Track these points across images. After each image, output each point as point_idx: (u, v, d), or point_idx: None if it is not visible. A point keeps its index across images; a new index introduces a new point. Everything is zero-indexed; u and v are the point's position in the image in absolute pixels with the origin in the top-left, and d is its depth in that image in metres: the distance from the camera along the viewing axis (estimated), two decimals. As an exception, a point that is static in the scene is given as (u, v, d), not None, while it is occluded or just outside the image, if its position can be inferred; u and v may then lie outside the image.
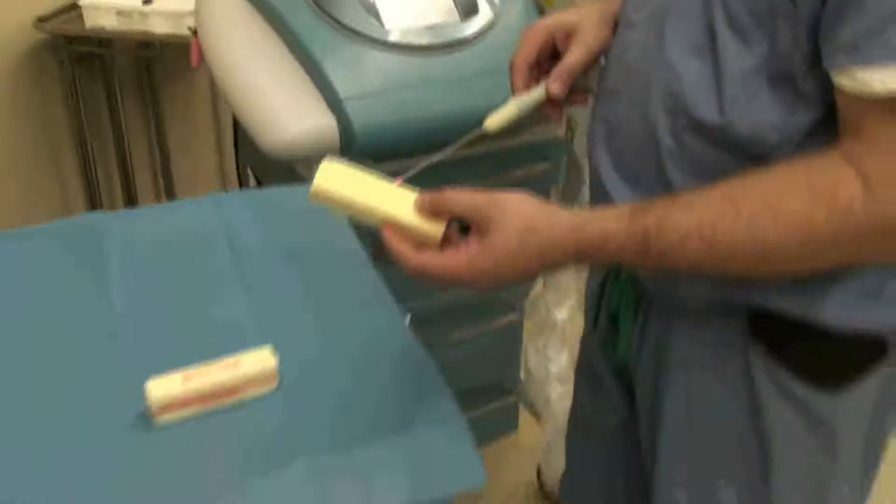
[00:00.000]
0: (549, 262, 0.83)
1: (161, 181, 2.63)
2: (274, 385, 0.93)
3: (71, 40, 2.22)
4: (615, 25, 1.01)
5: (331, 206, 0.88)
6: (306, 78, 1.50)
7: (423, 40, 1.55)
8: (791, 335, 0.91)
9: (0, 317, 1.02)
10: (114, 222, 1.20)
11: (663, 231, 0.80)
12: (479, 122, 1.00)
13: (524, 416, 2.16)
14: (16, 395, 0.92)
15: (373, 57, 1.51)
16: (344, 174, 0.88)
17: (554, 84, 1.01)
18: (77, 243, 1.15)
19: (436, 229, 0.84)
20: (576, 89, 1.04)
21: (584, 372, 1.23)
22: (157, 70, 2.53)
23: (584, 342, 1.23)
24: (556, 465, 2.01)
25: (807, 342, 0.91)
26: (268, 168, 1.74)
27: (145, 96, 2.53)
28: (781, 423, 0.96)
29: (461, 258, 0.82)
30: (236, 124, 1.99)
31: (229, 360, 0.92)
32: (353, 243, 1.17)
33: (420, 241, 0.85)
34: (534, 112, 1.03)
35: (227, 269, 1.11)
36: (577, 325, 1.28)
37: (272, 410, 0.91)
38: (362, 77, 1.48)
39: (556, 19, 1.03)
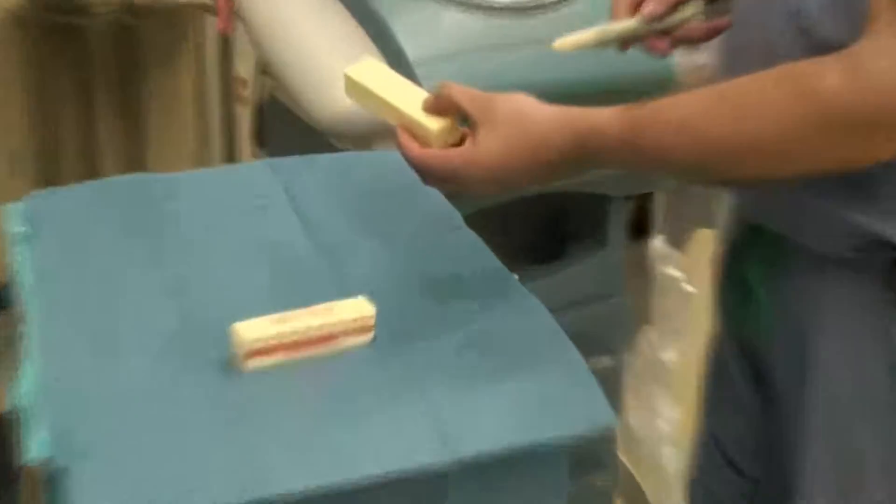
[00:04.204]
0: (543, 156, 0.92)
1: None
2: (370, 335, 0.95)
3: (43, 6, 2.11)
4: None
5: (361, 102, 1.03)
6: (367, 39, 1.57)
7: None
8: None
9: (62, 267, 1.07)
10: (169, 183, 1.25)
11: (655, 123, 0.90)
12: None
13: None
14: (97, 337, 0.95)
15: (446, 16, 1.58)
16: (378, 71, 1.03)
17: (650, 5, 1.07)
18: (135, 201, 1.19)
19: (434, 123, 0.94)
20: (693, 30, 1.10)
21: (711, 370, 1.25)
22: (139, 53, 2.38)
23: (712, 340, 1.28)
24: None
25: None
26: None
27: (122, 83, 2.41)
28: None
29: (457, 152, 0.93)
30: (259, 113, 2.00)
31: (322, 307, 0.94)
32: (441, 205, 1.19)
33: (426, 138, 0.95)
34: (619, 44, 1.10)
35: (298, 234, 1.15)
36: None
37: (371, 359, 0.93)
38: (434, 38, 1.56)
39: None
